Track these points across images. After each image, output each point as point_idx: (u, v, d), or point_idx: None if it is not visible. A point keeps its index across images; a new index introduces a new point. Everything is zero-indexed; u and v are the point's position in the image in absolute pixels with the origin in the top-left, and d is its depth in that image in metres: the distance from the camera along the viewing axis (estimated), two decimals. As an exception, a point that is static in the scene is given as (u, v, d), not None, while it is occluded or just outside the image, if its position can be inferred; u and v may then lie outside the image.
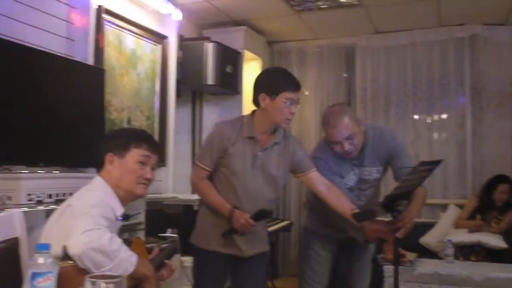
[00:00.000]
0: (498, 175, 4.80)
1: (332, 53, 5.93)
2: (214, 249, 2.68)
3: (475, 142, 5.34)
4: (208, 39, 4.76)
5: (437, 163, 2.49)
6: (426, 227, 4.96)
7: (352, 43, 5.80)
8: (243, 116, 2.75)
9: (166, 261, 2.15)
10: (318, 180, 2.71)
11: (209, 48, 4.64)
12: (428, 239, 4.86)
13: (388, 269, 3.53)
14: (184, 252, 3.48)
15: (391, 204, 2.37)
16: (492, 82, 5.36)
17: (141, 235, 3.28)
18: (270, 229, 4.41)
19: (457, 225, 4.72)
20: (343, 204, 2.62)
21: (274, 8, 4.87)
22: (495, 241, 4.35)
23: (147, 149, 2.06)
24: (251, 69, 5.47)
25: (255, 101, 2.63)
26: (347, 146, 2.67)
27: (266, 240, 2.87)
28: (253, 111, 2.70)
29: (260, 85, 2.63)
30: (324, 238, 3.00)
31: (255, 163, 2.63)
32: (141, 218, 3.35)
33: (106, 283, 1.19)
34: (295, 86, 2.59)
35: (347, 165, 2.81)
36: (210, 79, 4.64)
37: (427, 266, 3.59)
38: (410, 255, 3.60)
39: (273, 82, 2.60)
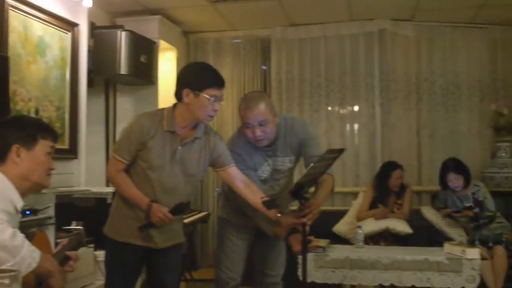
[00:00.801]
0: (388, 163, 5.02)
1: (248, 45, 5.97)
2: (127, 241, 2.63)
3: (384, 133, 5.60)
4: (121, 27, 4.62)
5: (341, 151, 2.57)
6: (339, 214, 5.13)
7: (268, 35, 5.87)
8: (163, 109, 2.70)
9: (68, 253, 2.09)
10: (236, 176, 2.73)
11: (122, 37, 4.51)
12: (341, 227, 5.02)
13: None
14: (98, 246, 3.41)
15: (299, 191, 2.44)
16: (400, 75, 5.62)
17: (51, 229, 3.16)
18: (187, 220, 4.40)
19: (359, 218, 4.84)
20: (259, 200, 2.64)
21: (189, -2, 4.82)
22: (401, 226, 4.58)
23: (52, 140, 2.04)
24: (167, 59, 5.40)
25: (178, 96, 2.60)
26: (258, 131, 2.72)
27: (180, 231, 2.86)
28: (174, 105, 2.66)
29: (184, 80, 2.60)
30: (239, 227, 3.04)
31: (174, 158, 2.61)
32: (51, 212, 3.22)
33: (1, 277, 1.14)
34: (220, 83, 2.59)
35: (261, 157, 2.86)
36: (123, 69, 4.50)
37: (338, 251, 3.71)
38: (323, 242, 3.71)
39: (198, 78, 2.58)
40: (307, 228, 2.57)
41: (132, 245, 2.63)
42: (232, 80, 5.87)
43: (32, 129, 2.00)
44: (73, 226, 3.09)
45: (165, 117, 2.62)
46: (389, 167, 4.92)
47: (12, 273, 1.18)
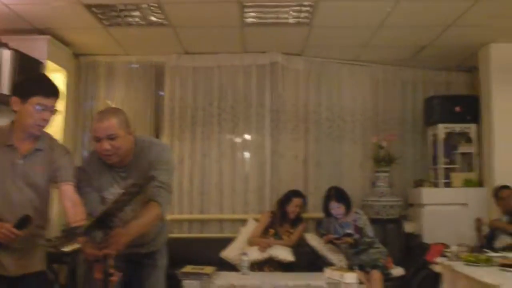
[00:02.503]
0: (293, 190, 5.23)
1: (142, 70, 5.93)
2: None
3: (274, 161, 5.75)
4: (5, 45, 4.41)
5: (150, 178, 2.50)
6: (227, 241, 5.20)
7: (162, 62, 5.88)
8: (8, 124, 2.62)
9: None
10: (66, 194, 2.60)
11: (5, 56, 4.29)
12: (229, 253, 5.08)
13: (187, 283, 3.63)
14: None
15: (104, 221, 2.31)
16: (289, 106, 5.85)
17: None
18: (68, 249, 4.21)
19: (250, 243, 4.95)
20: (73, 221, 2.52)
21: (80, 20, 4.70)
22: (284, 254, 4.72)
23: None
24: (56, 81, 5.20)
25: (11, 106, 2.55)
26: (106, 145, 2.61)
27: (40, 258, 2.70)
28: (12, 121, 2.60)
29: (14, 88, 2.59)
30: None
31: (15, 172, 2.53)
32: None
33: None
34: (48, 92, 2.53)
35: (111, 178, 2.74)
36: (4, 88, 4.28)
37: (224, 278, 3.77)
38: (208, 269, 3.74)
39: (24, 85, 2.55)
40: (110, 261, 2.34)
41: None
42: (123, 105, 5.74)
43: None
44: None
45: (4, 131, 2.57)
46: (292, 193, 5.12)
47: None
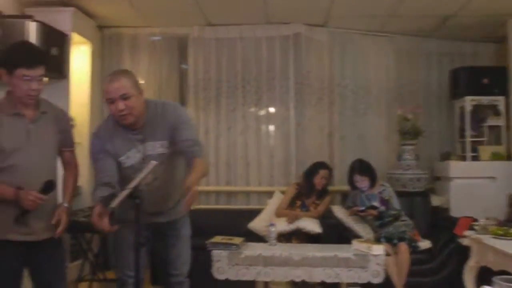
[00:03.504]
0: (319, 162, 5.20)
1: (165, 43, 5.90)
2: (5, 238, 2.54)
3: (298, 134, 5.72)
4: (30, 17, 4.40)
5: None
6: (255, 213, 5.23)
7: (185, 34, 5.83)
8: (4, 96, 2.67)
9: None
10: (69, 161, 2.84)
11: (31, 28, 4.29)
12: (256, 224, 5.11)
13: (216, 253, 3.65)
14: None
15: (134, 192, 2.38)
16: (313, 78, 5.78)
17: None
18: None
19: (277, 214, 4.96)
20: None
21: (104, -9, 4.69)
22: (312, 226, 4.71)
23: None
24: (81, 53, 5.23)
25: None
26: (121, 105, 2.63)
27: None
28: (8, 90, 2.65)
29: (1, 60, 2.57)
30: (131, 225, 2.72)
31: (29, 137, 2.59)
32: None
33: None
34: (30, 62, 2.54)
35: (128, 141, 2.75)
36: (32, 61, 4.30)
37: (252, 249, 3.77)
38: (236, 240, 3.75)
39: (9, 58, 2.56)
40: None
41: (10, 242, 2.54)
42: (149, 77, 5.77)
43: None
44: None
45: (4, 103, 2.61)
46: (318, 165, 5.09)
47: None
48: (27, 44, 2.69)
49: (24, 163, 2.55)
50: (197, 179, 2.47)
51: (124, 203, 2.39)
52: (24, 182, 2.53)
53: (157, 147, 2.75)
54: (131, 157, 2.73)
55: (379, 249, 3.68)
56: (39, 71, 2.56)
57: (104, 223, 2.46)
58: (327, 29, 5.83)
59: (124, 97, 2.62)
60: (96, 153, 2.70)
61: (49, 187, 2.57)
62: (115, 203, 2.25)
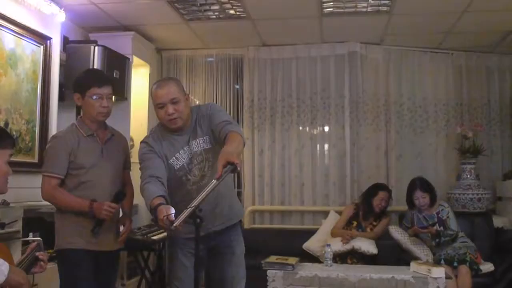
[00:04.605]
0: (379, 183, 5.13)
1: (221, 63, 6.01)
2: (85, 248, 2.79)
3: (354, 153, 5.67)
4: (94, 42, 4.62)
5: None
6: (309, 233, 5.21)
7: (241, 54, 5.94)
8: (72, 123, 3.01)
9: (38, 254, 2.16)
10: (125, 178, 3.11)
11: (96, 52, 4.50)
12: (311, 244, 5.08)
13: (272, 273, 3.65)
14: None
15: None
16: (369, 97, 5.74)
17: (18, 243, 3.10)
18: (156, 237, 4.37)
19: (333, 234, 4.91)
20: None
21: (163, 16, 4.84)
22: (367, 246, 4.64)
23: (11, 147, 2.11)
24: (140, 76, 5.41)
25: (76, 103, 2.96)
26: (171, 109, 2.73)
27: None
28: (80, 116, 3.04)
29: (74, 86, 2.96)
30: (185, 245, 2.87)
31: (101, 156, 2.89)
32: (18, 226, 3.16)
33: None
34: (99, 81, 2.89)
35: (177, 144, 2.83)
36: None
37: (307, 269, 3.76)
38: (292, 260, 3.74)
39: (81, 81, 2.94)
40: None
41: (87, 251, 2.79)
42: (205, 98, 5.90)
43: None
44: (31, 237, 3.09)
45: (78, 126, 2.93)
46: (378, 186, 5.03)
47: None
48: (95, 69, 3.14)
49: (100, 178, 2.86)
50: (234, 149, 2.44)
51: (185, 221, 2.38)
52: (99, 196, 2.82)
53: (200, 143, 2.84)
54: (179, 158, 2.83)
55: (439, 272, 3.58)
56: (108, 89, 2.90)
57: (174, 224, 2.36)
58: (383, 46, 5.79)
59: (174, 102, 2.74)
60: (145, 154, 2.79)
61: (120, 196, 2.85)
62: (177, 222, 2.29)
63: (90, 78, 2.94)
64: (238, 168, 2.35)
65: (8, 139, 2.11)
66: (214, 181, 2.29)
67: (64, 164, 2.82)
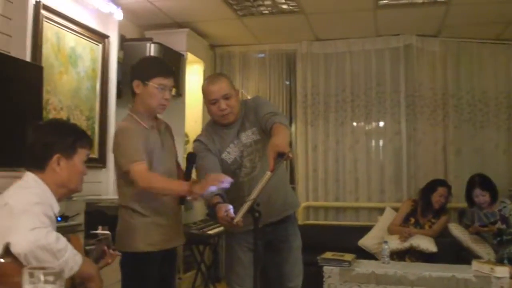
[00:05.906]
0: (438, 179, 4.99)
1: (274, 59, 6.00)
2: (158, 249, 2.64)
3: (410, 149, 5.55)
4: (150, 40, 4.70)
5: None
6: (365, 229, 5.13)
7: (293, 49, 5.90)
8: (128, 114, 2.76)
9: (105, 248, 2.16)
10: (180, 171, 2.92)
11: (151, 49, 4.58)
12: (366, 241, 5.00)
13: (328, 269, 3.61)
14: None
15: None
16: (425, 90, 5.59)
17: (80, 236, 3.20)
18: (212, 231, 4.41)
19: (390, 231, 4.83)
20: None
21: (216, 12, 4.87)
22: (426, 244, 4.51)
23: (88, 148, 2.12)
24: (194, 72, 5.46)
25: (131, 90, 2.71)
26: (223, 104, 2.74)
27: None
28: (132, 107, 2.76)
29: (134, 72, 2.74)
30: (242, 239, 2.88)
31: (163, 147, 2.75)
32: (80, 219, 3.27)
33: (45, 274, 1.17)
34: (166, 71, 2.70)
35: (227, 138, 2.85)
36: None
37: (364, 266, 3.70)
38: (348, 256, 3.69)
39: (145, 68, 2.73)
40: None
41: (158, 252, 2.65)
42: (258, 93, 5.90)
43: (72, 139, 2.05)
44: (100, 230, 3.14)
45: (136, 119, 2.70)
46: (437, 182, 4.90)
47: (56, 270, 1.21)
48: (159, 58, 2.93)
49: (164, 169, 2.69)
50: (281, 140, 2.40)
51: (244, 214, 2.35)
52: None
53: (249, 134, 2.85)
54: (231, 152, 2.85)
55: (503, 271, 3.45)
56: (172, 81, 2.73)
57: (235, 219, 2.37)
58: (440, 39, 5.61)
59: (226, 97, 2.75)
60: (199, 152, 2.80)
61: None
62: (238, 217, 2.30)
63: (156, 66, 2.74)
64: (291, 155, 2.34)
65: (86, 139, 2.12)
66: (268, 173, 2.29)
67: (143, 151, 2.59)
